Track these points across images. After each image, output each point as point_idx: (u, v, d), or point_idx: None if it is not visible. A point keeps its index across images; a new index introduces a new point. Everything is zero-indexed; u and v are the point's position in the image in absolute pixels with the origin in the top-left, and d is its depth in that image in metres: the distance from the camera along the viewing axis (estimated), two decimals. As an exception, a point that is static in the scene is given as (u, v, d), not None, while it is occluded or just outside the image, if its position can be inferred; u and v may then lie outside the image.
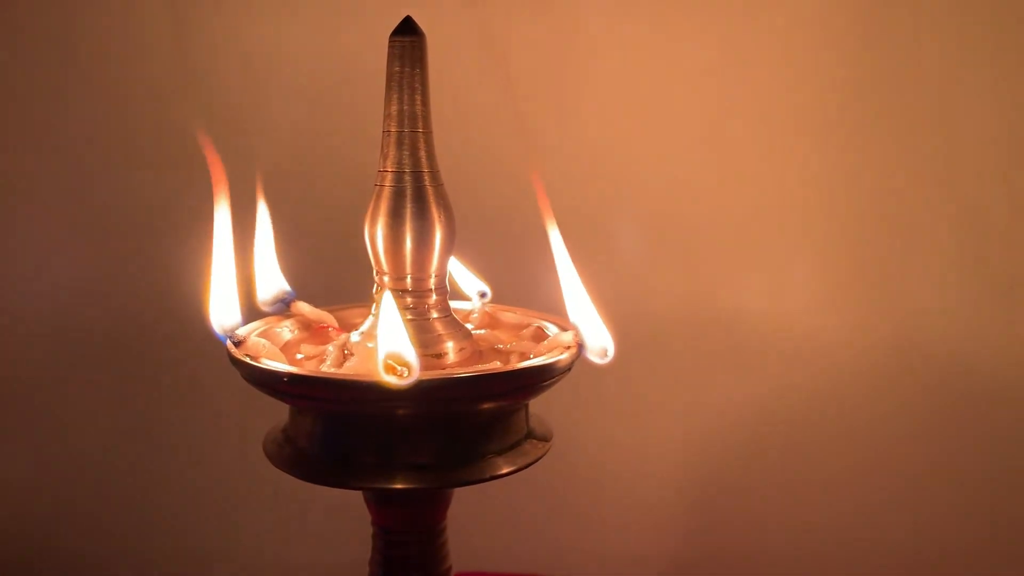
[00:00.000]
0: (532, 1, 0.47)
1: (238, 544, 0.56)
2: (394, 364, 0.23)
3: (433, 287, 0.28)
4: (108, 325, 0.53)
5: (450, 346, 0.28)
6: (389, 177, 0.28)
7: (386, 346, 0.23)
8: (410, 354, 0.23)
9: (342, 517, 0.47)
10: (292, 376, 0.25)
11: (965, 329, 0.46)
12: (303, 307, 0.31)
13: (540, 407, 0.29)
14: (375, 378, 0.23)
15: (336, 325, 0.31)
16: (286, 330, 0.30)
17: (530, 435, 0.28)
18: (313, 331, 0.31)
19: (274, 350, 0.27)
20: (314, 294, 0.32)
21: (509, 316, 0.32)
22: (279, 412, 0.29)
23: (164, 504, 0.56)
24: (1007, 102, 0.45)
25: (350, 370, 0.26)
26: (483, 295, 0.33)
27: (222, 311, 0.27)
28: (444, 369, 0.27)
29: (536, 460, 0.28)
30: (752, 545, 0.50)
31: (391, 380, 0.23)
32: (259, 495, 0.55)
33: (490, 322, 0.32)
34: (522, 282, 0.34)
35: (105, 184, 0.50)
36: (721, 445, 0.49)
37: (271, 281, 0.31)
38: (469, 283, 0.34)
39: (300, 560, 0.56)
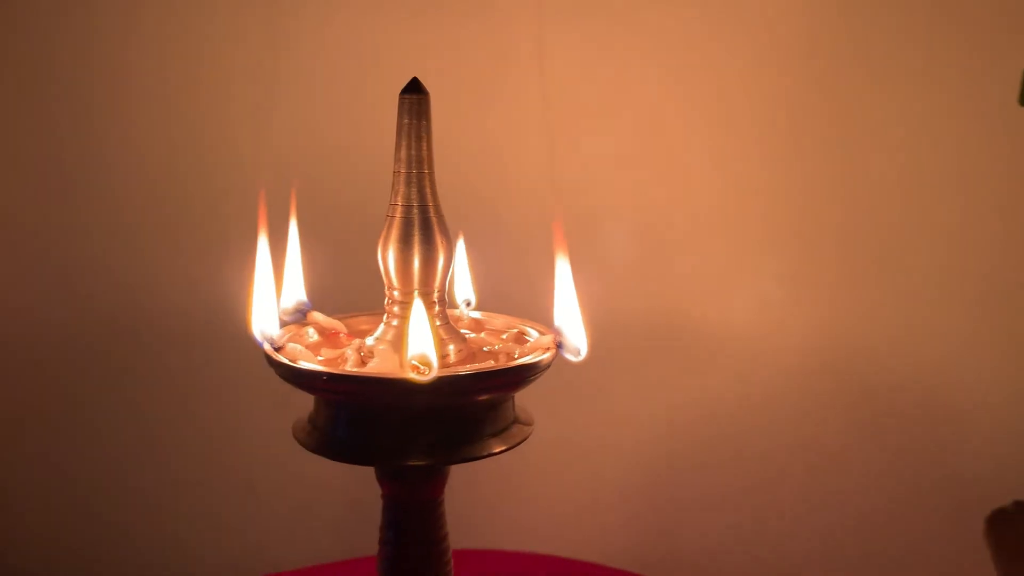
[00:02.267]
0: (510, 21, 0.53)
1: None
2: (419, 364, 0.28)
3: (436, 300, 0.34)
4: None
5: (451, 348, 0.33)
6: (399, 210, 0.33)
7: (414, 349, 0.29)
8: (433, 356, 0.29)
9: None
10: (331, 375, 0.30)
11: (904, 330, 0.54)
12: (317, 316, 0.36)
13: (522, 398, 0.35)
14: (402, 375, 0.29)
15: (346, 331, 0.37)
16: (307, 336, 0.36)
17: (516, 420, 0.34)
18: (327, 337, 0.36)
19: (308, 353, 0.32)
20: (325, 306, 0.37)
21: (493, 321, 0.38)
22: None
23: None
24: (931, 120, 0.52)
25: (373, 369, 0.32)
26: (468, 303, 0.39)
27: (265, 321, 0.32)
28: (448, 368, 0.33)
29: (522, 441, 0.33)
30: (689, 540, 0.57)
31: (416, 377, 0.29)
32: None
33: (475, 326, 0.38)
34: (515, 291, 0.40)
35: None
36: (673, 441, 0.56)
37: (292, 294, 0.36)
38: (459, 290, 0.39)
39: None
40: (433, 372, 0.29)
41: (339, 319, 0.37)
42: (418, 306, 0.30)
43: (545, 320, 0.35)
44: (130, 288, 0.64)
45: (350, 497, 0.65)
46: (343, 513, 0.66)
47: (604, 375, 0.56)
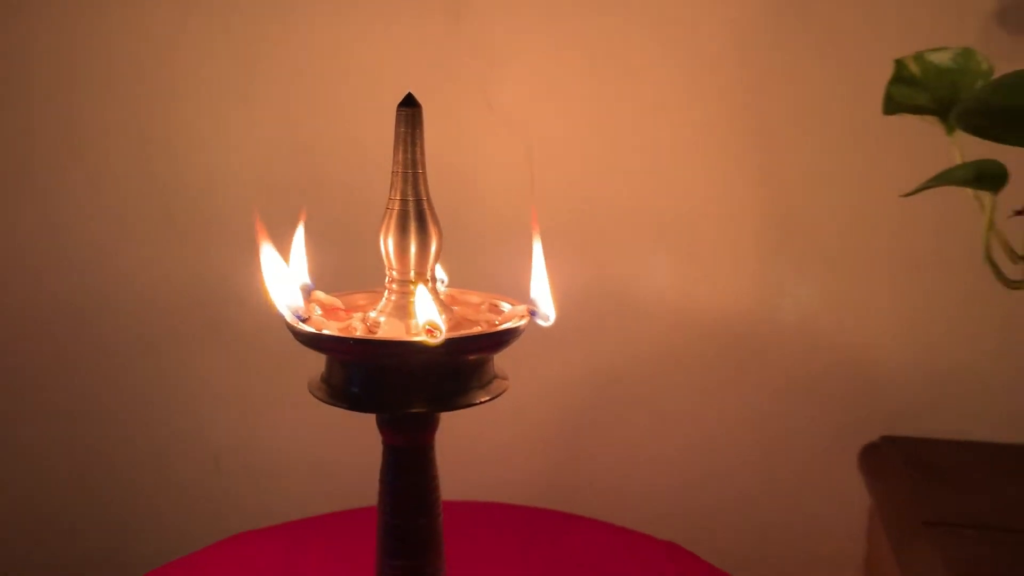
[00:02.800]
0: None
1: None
2: (432, 329, 0.35)
3: (428, 279, 0.40)
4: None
5: (443, 318, 0.40)
6: (397, 204, 0.40)
7: (424, 317, 0.36)
8: (442, 323, 0.36)
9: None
10: (356, 340, 0.37)
11: (808, 299, 0.63)
12: (319, 295, 0.43)
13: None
14: (410, 339, 0.36)
15: (343, 307, 0.43)
16: (314, 311, 0.42)
17: (496, 376, 0.41)
18: (327, 311, 0.43)
19: (331, 324, 0.38)
20: (327, 285, 0.44)
21: (467, 297, 0.45)
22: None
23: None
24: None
25: (384, 335, 0.38)
26: (443, 281, 0.46)
27: (290, 298, 0.38)
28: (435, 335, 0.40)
29: (501, 393, 0.41)
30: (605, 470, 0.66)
31: (429, 340, 0.35)
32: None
33: (452, 301, 0.45)
34: (494, 271, 0.47)
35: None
36: (596, 395, 0.64)
37: (298, 277, 0.42)
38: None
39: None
40: (442, 336, 0.36)
41: (337, 296, 0.43)
42: (421, 287, 0.37)
43: (513, 295, 0.42)
44: (123, 273, 0.68)
45: (304, 469, 0.71)
46: (298, 483, 0.72)
47: (545, 342, 0.63)
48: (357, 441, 0.68)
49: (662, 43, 0.61)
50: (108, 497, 0.73)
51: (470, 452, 0.65)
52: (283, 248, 0.43)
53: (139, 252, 0.68)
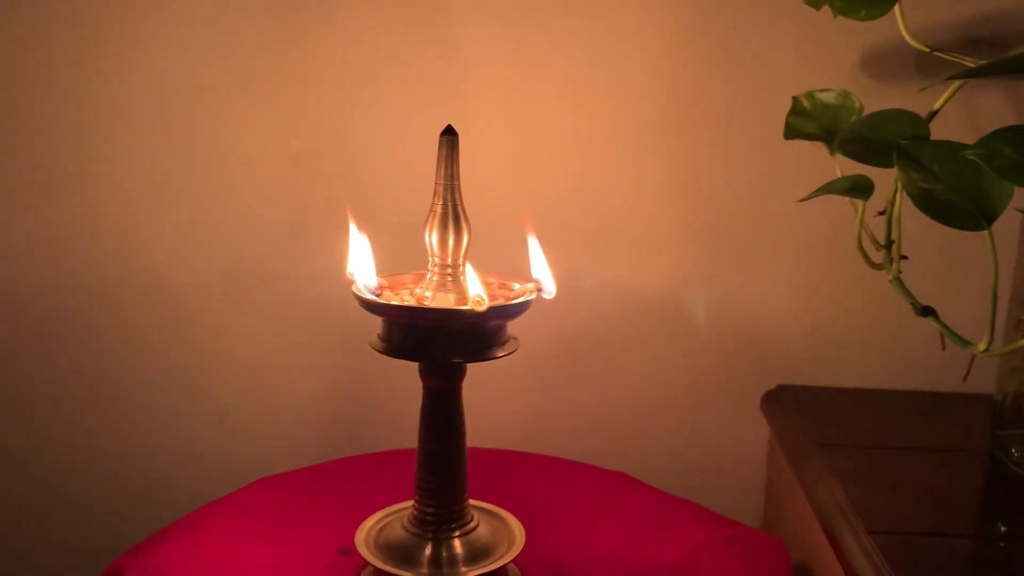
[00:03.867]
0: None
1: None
2: (480, 300, 0.48)
3: (461, 264, 0.53)
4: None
5: (470, 295, 0.53)
6: (439, 207, 0.52)
7: (474, 291, 0.49)
8: (486, 296, 0.49)
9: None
10: (422, 309, 0.49)
11: (727, 277, 0.78)
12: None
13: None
14: (465, 308, 0.49)
15: (387, 284, 0.55)
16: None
17: (510, 338, 0.54)
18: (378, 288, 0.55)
19: (397, 297, 0.51)
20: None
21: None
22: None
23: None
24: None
25: (435, 304, 0.51)
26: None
27: (366, 278, 0.50)
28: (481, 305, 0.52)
29: (515, 350, 0.53)
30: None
31: (477, 308, 0.48)
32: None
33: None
34: (505, 258, 0.59)
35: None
36: (558, 357, 0.78)
37: (356, 264, 0.54)
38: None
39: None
40: (486, 305, 0.49)
41: (383, 277, 0.55)
42: (469, 268, 0.50)
43: (517, 276, 0.55)
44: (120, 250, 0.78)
45: (300, 428, 0.83)
46: (293, 444, 0.83)
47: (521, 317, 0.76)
48: (345, 401, 0.81)
49: (600, 66, 0.75)
50: (117, 457, 0.83)
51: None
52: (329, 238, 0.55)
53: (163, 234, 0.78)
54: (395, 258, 0.58)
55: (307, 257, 0.79)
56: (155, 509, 0.80)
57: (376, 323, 0.53)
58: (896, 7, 0.60)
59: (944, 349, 0.58)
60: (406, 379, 0.75)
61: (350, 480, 0.70)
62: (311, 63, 0.75)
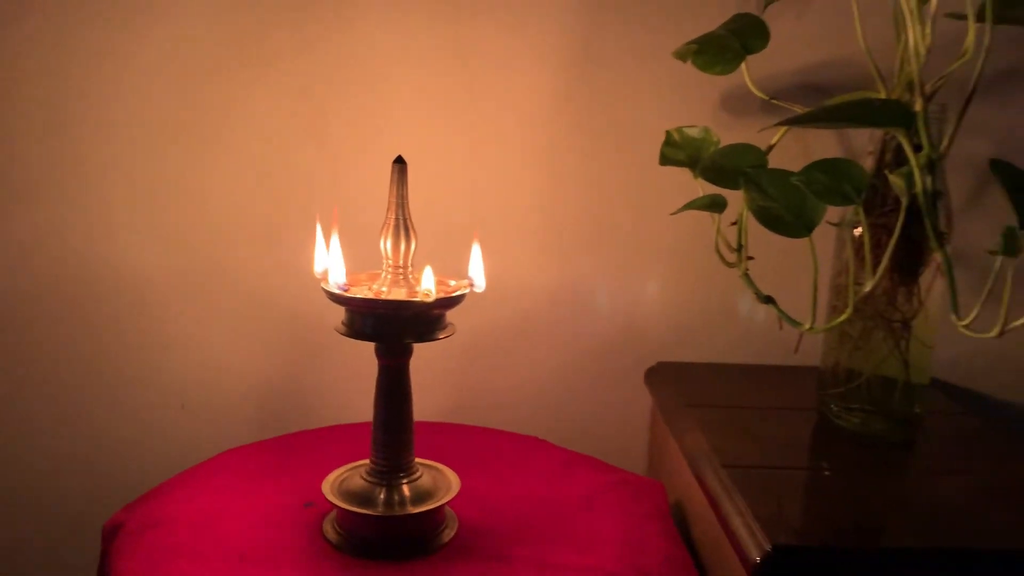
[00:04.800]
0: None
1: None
2: (428, 293, 0.61)
3: (410, 266, 0.66)
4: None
5: (418, 289, 0.66)
6: (392, 219, 0.65)
7: (425, 285, 0.62)
8: (434, 289, 0.62)
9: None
10: (381, 300, 0.62)
11: (604, 280, 0.92)
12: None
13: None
14: (416, 300, 0.62)
15: (347, 282, 0.67)
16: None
17: (448, 324, 0.67)
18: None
19: (359, 292, 0.63)
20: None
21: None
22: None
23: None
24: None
25: (391, 297, 0.64)
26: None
27: (335, 274, 0.63)
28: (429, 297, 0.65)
29: (452, 334, 0.67)
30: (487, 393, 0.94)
31: (426, 299, 0.61)
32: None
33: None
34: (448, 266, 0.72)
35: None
36: (474, 348, 0.92)
37: (322, 264, 0.66)
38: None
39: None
40: (433, 297, 0.62)
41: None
42: (427, 269, 0.63)
43: (454, 274, 0.69)
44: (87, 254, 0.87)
45: (256, 407, 0.93)
46: (249, 422, 0.94)
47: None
48: (296, 383, 0.92)
49: (511, 111, 0.88)
50: (92, 435, 0.92)
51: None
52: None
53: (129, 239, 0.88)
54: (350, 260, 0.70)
55: (260, 255, 0.89)
56: (128, 480, 0.89)
57: (325, 314, 0.66)
58: (743, 64, 0.77)
59: (781, 329, 0.73)
60: (351, 364, 0.88)
61: (307, 449, 0.81)
62: (280, 94, 0.86)
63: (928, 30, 0.63)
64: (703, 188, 0.76)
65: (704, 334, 0.93)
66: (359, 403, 0.86)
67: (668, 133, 0.80)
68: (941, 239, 0.66)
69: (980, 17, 0.59)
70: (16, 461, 0.92)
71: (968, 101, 0.62)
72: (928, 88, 0.65)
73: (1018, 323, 0.63)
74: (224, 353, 0.91)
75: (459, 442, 0.83)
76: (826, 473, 0.71)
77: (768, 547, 0.57)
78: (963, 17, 0.61)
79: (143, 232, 0.88)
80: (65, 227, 0.87)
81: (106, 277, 0.89)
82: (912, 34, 0.64)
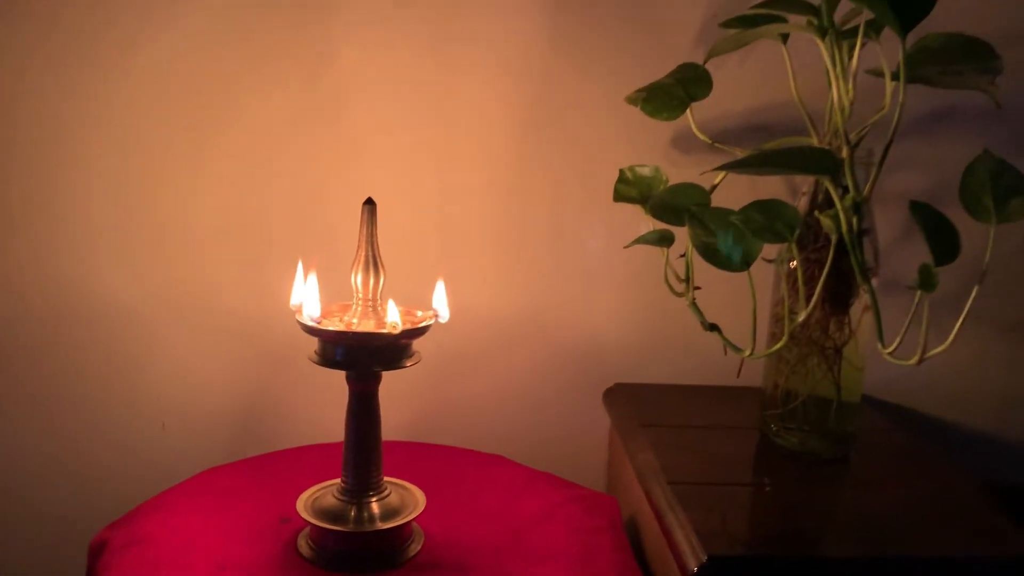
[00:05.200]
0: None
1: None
2: (395, 325, 0.66)
3: (379, 299, 0.71)
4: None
5: (386, 321, 0.71)
6: (363, 256, 0.70)
7: (391, 318, 0.67)
8: (399, 321, 0.67)
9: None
10: (352, 333, 0.67)
11: (561, 298, 0.98)
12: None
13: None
14: (384, 331, 0.66)
15: (320, 314, 0.72)
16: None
17: (414, 352, 0.72)
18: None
19: (331, 323, 0.68)
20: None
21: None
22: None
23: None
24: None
25: (360, 329, 0.69)
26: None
27: (311, 310, 0.67)
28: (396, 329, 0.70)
29: (418, 362, 0.71)
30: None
31: (392, 331, 0.66)
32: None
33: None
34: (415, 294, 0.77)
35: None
36: (444, 364, 0.97)
37: (299, 298, 0.71)
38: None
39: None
40: (399, 329, 0.67)
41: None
42: (391, 302, 0.68)
43: (422, 303, 0.73)
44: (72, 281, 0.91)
45: (231, 429, 0.98)
46: (225, 443, 0.98)
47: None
48: (269, 407, 0.96)
49: (474, 155, 0.93)
50: (76, 454, 0.96)
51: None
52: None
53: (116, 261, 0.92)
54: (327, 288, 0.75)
55: (240, 284, 0.94)
56: (112, 497, 0.92)
57: (299, 341, 0.70)
58: (688, 110, 0.82)
59: (726, 354, 0.78)
60: (321, 389, 0.92)
61: (282, 468, 0.86)
62: (260, 129, 0.91)
63: (850, 86, 0.69)
64: (654, 223, 0.81)
65: (658, 357, 0.98)
66: (331, 423, 0.90)
67: (621, 171, 0.85)
68: (866, 274, 0.72)
69: (896, 76, 0.65)
70: (3, 479, 0.95)
71: (887, 150, 0.67)
72: (853, 137, 0.71)
73: (936, 351, 0.69)
74: (203, 377, 0.95)
75: (426, 460, 0.88)
76: (767, 489, 0.76)
77: (704, 557, 0.62)
78: (881, 75, 0.67)
79: (124, 258, 0.92)
80: (49, 252, 0.91)
81: (89, 302, 0.93)
82: (836, 89, 0.70)
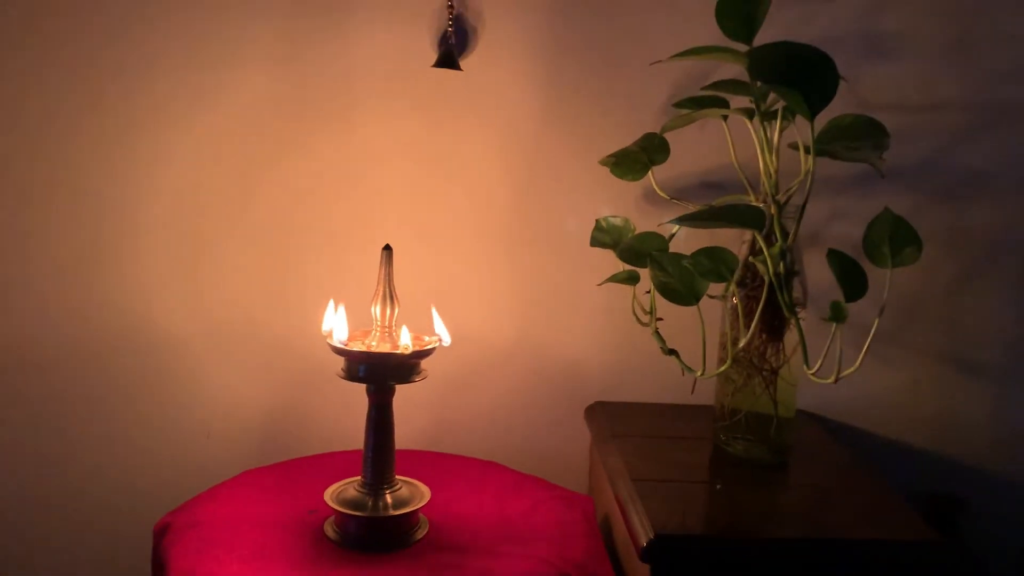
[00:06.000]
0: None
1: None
2: (407, 347, 0.82)
3: (394, 326, 0.86)
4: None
5: (399, 344, 0.86)
6: (380, 289, 0.85)
7: (403, 341, 0.82)
8: (411, 344, 0.82)
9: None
10: (372, 353, 0.82)
11: (547, 322, 1.13)
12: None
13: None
14: (397, 351, 0.82)
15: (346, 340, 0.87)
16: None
17: (423, 370, 0.87)
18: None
19: (356, 345, 0.84)
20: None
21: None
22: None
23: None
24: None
25: (381, 350, 0.84)
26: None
27: (339, 333, 0.83)
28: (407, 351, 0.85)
29: (425, 377, 0.86)
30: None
31: (405, 352, 0.82)
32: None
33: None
34: (424, 322, 0.92)
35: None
36: (447, 386, 1.12)
37: (329, 324, 0.86)
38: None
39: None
40: (411, 350, 0.82)
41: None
42: (404, 329, 0.83)
43: (427, 332, 0.88)
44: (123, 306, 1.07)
45: (266, 436, 1.13)
46: (261, 448, 1.13)
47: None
48: (299, 418, 1.11)
49: (467, 187, 1.09)
50: (134, 455, 1.11)
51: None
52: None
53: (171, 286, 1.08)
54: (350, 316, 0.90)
55: (275, 313, 1.09)
56: (163, 494, 1.07)
57: (323, 363, 0.85)
58: (650, 172, 0.98)
59: (683, 375, 0.93)
60: (346, 400, 1.07)
61: (309, 469, 1.00)
62: (295, 184, 1.07)
63: (774, 157, 0.85)
64: (623, 265, 0.96)
65: (630, 379, 1.13)
66: (351, 433, 1.05)
67: (597, 221, 1.01)
68: (793, 308, 0.87)
69: (808, 150, 0.81)
70: (74, 478, 1.10)
71: (803, 208, 0.82)
72: (781, 197, 0.87)
73: (848, 372, 0.84)
74: (242, 392, 1.11)
75: (431, 464, 1.03)
76: (716, 487, 0.91)
77: (652, 535, 0.77)
78: (798, 149, 0.82)
79: (179, 294, 1.08)
80: (118, 289, 1.07)
81: (147, 330, 1.08)
82: (763, 161, 0.86)
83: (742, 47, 0.83)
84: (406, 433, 1.01)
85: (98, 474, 1.11)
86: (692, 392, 0.95)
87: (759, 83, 0.79)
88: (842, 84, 0.74)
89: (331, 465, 1.01)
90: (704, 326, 0.88)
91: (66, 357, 1.08)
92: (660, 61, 0.95)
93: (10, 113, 1.03)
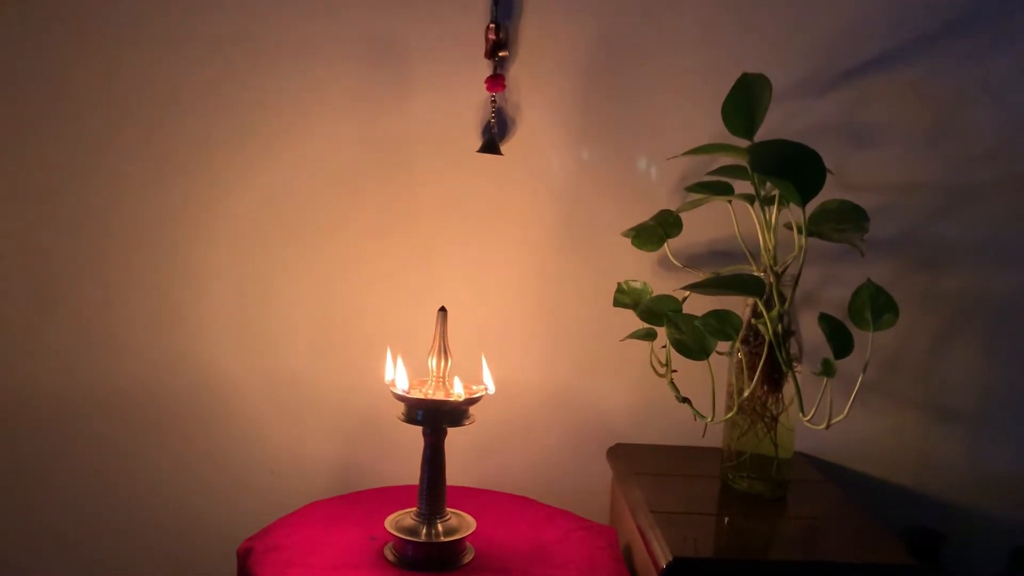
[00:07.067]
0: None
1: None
2: (458, 396, 0.95)
3: (447, 376, 0.99)
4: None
5: (452, 392, 0.99)
6: (435, 345, 0.98)
7: (456, 390, 0.95)
8: (463, 393, 0.95)
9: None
10: (429, 400, 0.95)
11: (562, 369, 1.26)
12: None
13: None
14: (448, 399, 0.95)
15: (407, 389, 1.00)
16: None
17: (471, 415, 1.00)
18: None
19: (414, 393, 0.97)
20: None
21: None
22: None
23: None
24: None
25: (435, 398, 0.97)
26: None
27: (400, 383, 0.96)
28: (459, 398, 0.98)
29: (473, 422, 0.99)
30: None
31: (456, 400, 0.95)
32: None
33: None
34: (473, 372, 1.05)
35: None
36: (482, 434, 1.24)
37: (391, 375, 0.99)
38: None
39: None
40: (462, 398, 0.95)
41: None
42: (456, 379, 0.96)
43: (477, 380, 1.01)
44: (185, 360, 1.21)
45: (328, 473, 1.25)
46: (323, 484, 1.25)
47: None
48: (358, 457, 1.24)
49: (507, 252, 1.23)
50: (202, 497, 1.24)
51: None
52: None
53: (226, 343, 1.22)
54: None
55: (336, 364, 1.22)
56: (233, 524, 1.19)
57: (378, 409, 0.98)
58: (666, 243, 1.12)
59: (695, 420, 1.05)
60: (402, 441, 1.20)
61: (369, 502, 1.13)
62: (356, 248, 1.21)
63: (772, 235, 0.99)
64: (644, 324, 1.09)
65: (650, 423, 1.25)
66: (405, 471, 1.18)
67: (619, 284, 1.14)
68: (790, 363, 1.00)
69: (800, 231, 0.94)
70: (154, 511, 1.23)
71: (797, 278, 0.96)
72: (778, 268, 1.00)
73: (838, 419, 0.97)
74: (304, 434, 1.23)
75: (474, 498, 1.15)
76: (724, 519, 1.03)
77: (671, 557, 0.89)
78: (792, 229, 0.96)
79: (246, 347, 1.21)
80: (188, 344, 1.21)
81: (218, 379, 1.21)
82: (762, 238, 0.99)
83: (744, 142, 0.97)
84: (455, 470, 1.14)
85: (176, 506, 1.24)
86: (703, 435, 1.07)
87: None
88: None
89: (387, 498, 1.13)
90: (713, 378, 1.01)
91: (141, 405, 1.22)
92: (675, 156, 1.09)
93: (87, 171, 1.17)
